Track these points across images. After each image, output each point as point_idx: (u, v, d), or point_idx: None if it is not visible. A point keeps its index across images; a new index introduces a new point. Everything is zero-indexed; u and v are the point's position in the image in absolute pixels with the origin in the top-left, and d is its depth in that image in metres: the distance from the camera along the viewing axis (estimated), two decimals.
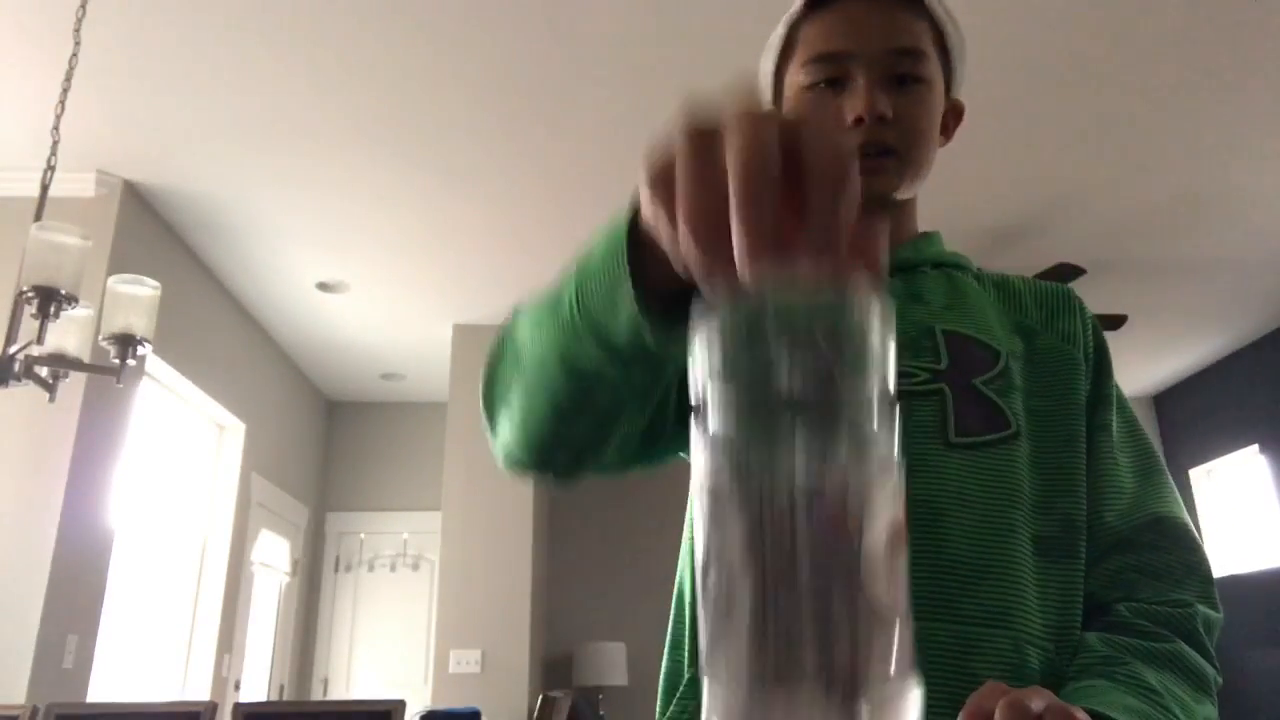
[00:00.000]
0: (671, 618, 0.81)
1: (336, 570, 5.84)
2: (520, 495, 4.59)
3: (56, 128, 2.22)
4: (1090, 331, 0.83)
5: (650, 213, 0.39)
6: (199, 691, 4.15)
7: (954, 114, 0.87)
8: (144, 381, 3.72)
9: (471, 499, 4.58)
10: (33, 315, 1.92)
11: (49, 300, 1.90)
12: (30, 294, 1.89)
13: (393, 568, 5.81)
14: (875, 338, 0.32)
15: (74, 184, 3.35)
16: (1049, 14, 2.71)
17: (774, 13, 0.86)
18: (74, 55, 2.29)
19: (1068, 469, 0.75)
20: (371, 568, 5.83)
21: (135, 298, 2.08)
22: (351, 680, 5.61)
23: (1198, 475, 5.72)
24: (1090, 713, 0.58)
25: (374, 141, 3.28)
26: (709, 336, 0.32)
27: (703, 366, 0.32)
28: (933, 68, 0.80)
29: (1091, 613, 0.72)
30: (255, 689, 4.90)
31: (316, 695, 5.52)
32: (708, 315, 0.32)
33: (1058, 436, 0.76)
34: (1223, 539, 5.50)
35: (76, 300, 1.95)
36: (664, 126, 0.38)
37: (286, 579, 5.38)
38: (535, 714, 3.96)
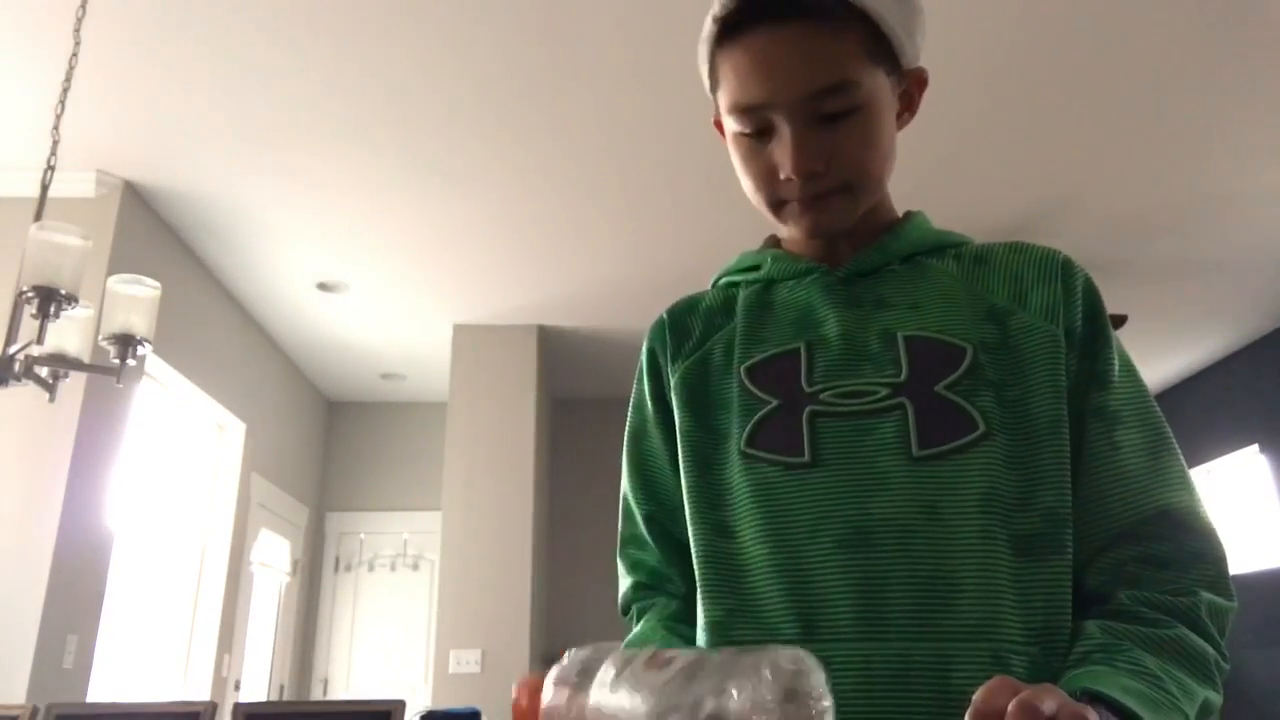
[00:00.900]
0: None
1: (336, 570, 5.84)
2: (520, 495, 4.59)
3: (56, 128, 2.22)
4: (1079, 298, 0.77)
5: None
6: (199, 691, 4.15)
7: (916, 85, 0.80)
8: (144, 381, 3.72)
9: (471, 499, 4.57)
10: (33, 315, 1.91)
11: (49, 300, 1.89)
12: (30, 294, 1.89)
13: (393, 568, 5.81)
14: None
15: (74, 184, 3.35)
16: (1049, 14, 2.71)
17: None
18: (74, 55, 2.29)
19: (1048, 459, 0.72)
20: (371, 568, 5.83)
21: (135, 298, 2.07)
22: (351, 680, 5.61)
23: (1198, 475, 5.71)
24: (1089, 693, 0.58)
25: (374, 141, 3.28)
26: None
27: None
28: (866, 88, 0.73)
29: (1093, 602, 0.70)
30: (255, 689, 4.90)
31: (316, 695, 5.52)
32: None
33: (1037, 426, 0.72)
34: (1222, 539, 5.49)
35: (76, 300, 1.95)
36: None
37: (286, 579, 5.38)
38: None
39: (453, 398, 4.72)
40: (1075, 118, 3.20)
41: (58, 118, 2.25)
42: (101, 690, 3.39)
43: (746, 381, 0.79)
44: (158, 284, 2.11)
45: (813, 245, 0.85)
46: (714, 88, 0.80)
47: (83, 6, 2.31)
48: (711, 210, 3.75)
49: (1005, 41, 2.82)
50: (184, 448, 4.28)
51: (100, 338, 2.07)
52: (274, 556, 5.17)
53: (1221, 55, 2.89)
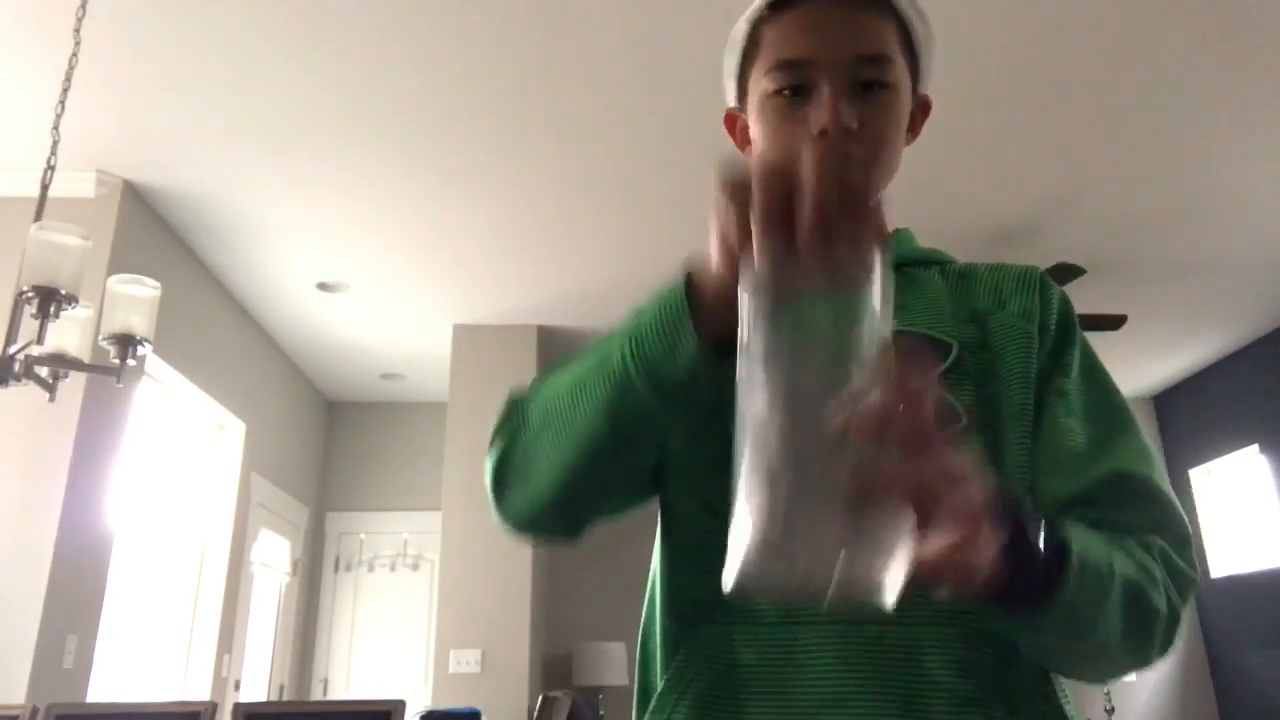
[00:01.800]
0: (640, 644, 0.81)
1: (336, 570, 5.84)
2: None
3: (56, 128, 2.22)
4: (1055, 306, 0.80)
5: (724, 213, 0.58)
6: (199, 691, 4.15)
7: (921, 110, 0.85)
8: (144, 381, 3.72)
9: (471, 499, 4.57)
10: (33, 315, 1.92)
11: (49, 300, 1.90)
12: (30, 294, 1.89)
13: (393, 568, 5.81)
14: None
15: (74, 184, 3.35)
16: (1049, 14, 2.71)
17: None
18: (74, 55, 2.29)
19: (1012, 450, 0.73)
20: (371, 568, 5.83)
21: (135, 298, 2.08)
22: (351, 680, 5.61)
23: (1198, 475, 5.71)
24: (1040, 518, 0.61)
25: (374, 141, 3.28)
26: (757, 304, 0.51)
27: (748, 322, 0.51)
28: (898, 71, 0.78)
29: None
30: (255, 689, 4.90)
31: (316, 695, 5.52)
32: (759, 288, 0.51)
33: (1005, 417, 0.74)
34: (1223, 539, 5.50)
35: (76, 300, 1.95)
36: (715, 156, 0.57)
37: (286, 579, 5.38)
38: (535, 714, 3.96)
39: (453, 398, 4.72)
40: (1075, 119, 3.20)
41: (58, 118, 2.25)
42: (101, 690, 3.39)
43: None
44: (158, 284, 2.11)
45: None
46: (745, 66, 0.82)
47: (83, 6, 2.31)
48: (710, 210, 3.75)
49: (1005, 43, 2.82)
50: (184, 448, 4.28)
51: (100, 338, 2.07)
52: (274, 556, 5.17)
53: (1222, 57, 2.89)
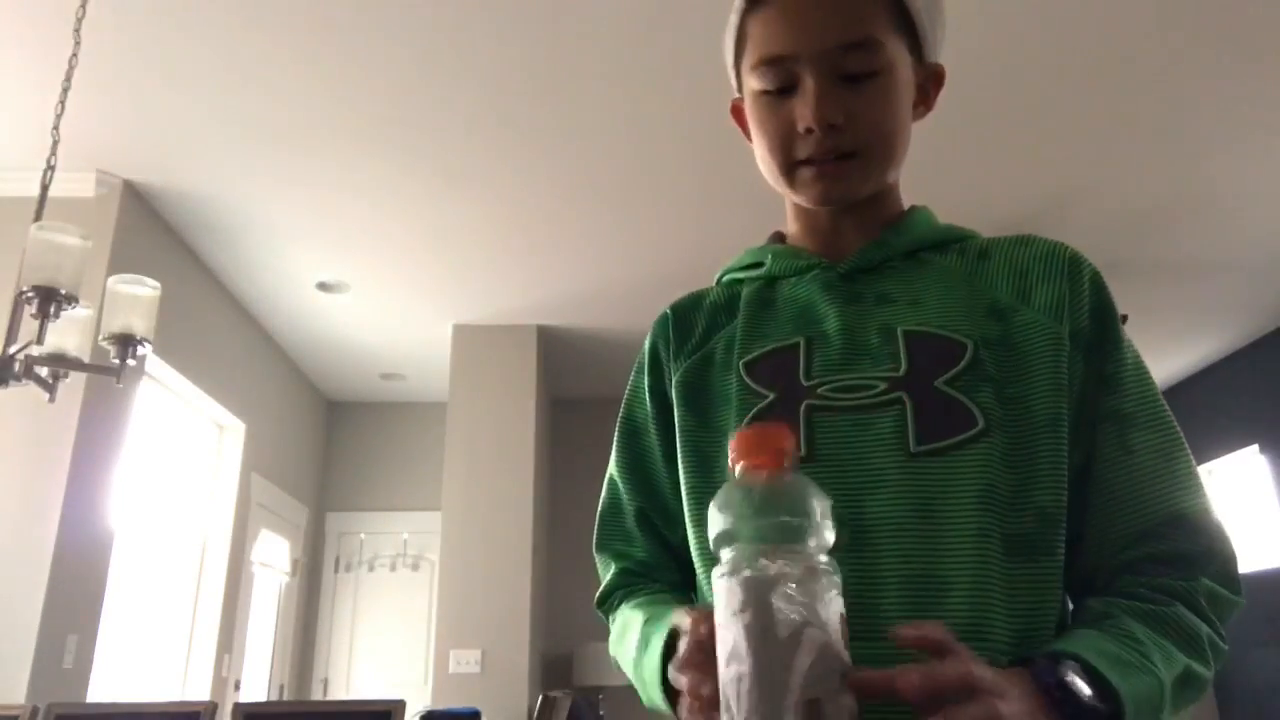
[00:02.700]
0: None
1: (336, 570, 5.84)
2: (520, 495, 4.59)
3: (56, 128, 2.22)
4: (1087, 295, 0.76)
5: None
6: (199, 691, 4.15)
7: (934, 80, 0.82)
8: (144, 381, 3.72)
9: (471, 499, 4.57)
10: (33, 315, 1.91)
11: (49, 300, 1.90)
12: (30, 294, 1.89)
13: (393, 568, 5.81)
14: None
15: (74, 184, 3.35)
16: (1049, 14, 2.71)
17: None
18: (74, 55, 2.29)
19: (1044, 458, 0.71)
20: (371, 568, 5.83)
21: (135, 298, 2.08)
22: (351, 680, 5.61)
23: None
24: (1065, 654, 0.59)
25: (374, 141, 3.28)
26: None
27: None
28: (889, 53, 0.75)
29: (1098, 590, 0.71)
30: (255, 689, 4.90)
31: (316, 695, 5.52)
32: None
33: (1035, 423, 0.71)
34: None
35: (76, 300, 1.95)
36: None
37: (286, 579, 5.38)
38: (535, 714, 3.96)
39: (453, 398, 4.72)
40: (1078, 115, 3.20)
41: (58, 118, 2.25)
42: (101, 690, 3.39)
43: (745, 376, 0.79)
44: (158, 284, 2.11)
45: (816, 238, 0.85)
46: (739, 58, 0.81)
47: (83, 6, 2.31)
48: (711, 210, 3.75)
49: (1009, 37, 2.82)
50: (184, 448, 4.28)
51: (100, 338, 2.07)
52: (274, 556, 5.17)
53: (1225, 55, 2.89)
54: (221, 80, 2.94)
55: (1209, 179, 3.59)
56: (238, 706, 2.35)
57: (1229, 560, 0.71)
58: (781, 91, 0.76)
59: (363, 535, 5.87)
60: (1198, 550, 0.70)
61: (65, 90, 2.25)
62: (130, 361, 2.06)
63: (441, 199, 3.67)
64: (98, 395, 3.27)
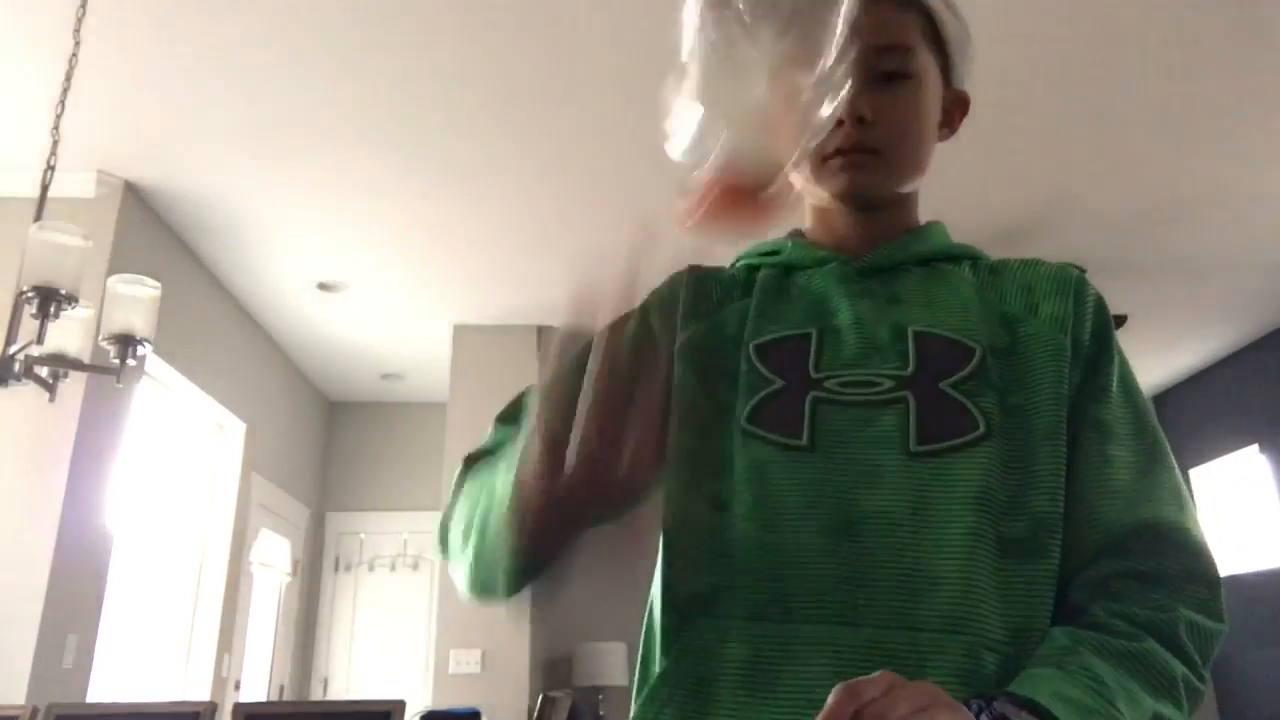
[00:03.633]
0: (642, 637, 0.79)
1: (336, 570, 5.84)
2: None
3: (56, 128, 2.22)
4: (1090, 314, 0.78)
5: None
6: (199, 691, 4.15)
7: (958, 106, 0.85)
8: (144, 381, 3.72)
9: None
10: (33, 315, 1.92)
11: (49, 300, 1.90)
12: (30, 294, 1.89)
13: (393, 568, 5.81)
14: None
15: (74, 184, 3.35)
16: (1050, 14, 2.71)
17: None
18: (74, 55, 2.29)
19: (1042, 464, 0.72)
20: (371, 568, 5.83)
21: (135, 298, 2.08)
22: (351, 680, 5.61)
23: (1198, 475, 5.71)
24: (1023, 701, 0.58)
25: (374, 141, 3.28)
26: None
27: None
28: (921, 62, 0.78)
29: (1074, 615, 0.69)
30: (255, 689, 4.90)
31: (316, 695, 5.52)
32: None
33: (1035, 430, 0.73)
34: (1223, 539, 5.50)
35: (76, 300, 1.95)
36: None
37: (286, 579, 5.38)
38: (535, 714, 3.96)
39: (453, 398, 4.72)
40: (1076, 117, 3.20)
41: (58, 118, 2.25)
42: (101, 690, 3.39)
43: (755, 359, 0.79)
44: (158, 284, 2.11)
45: (834, 238, 0.86)
46: None
47: (83, 6, 2.31)
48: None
49: (1005, 41, 2.82)
50: (184, 448, 4.28)
51: (100, 338, 2.07)
52: (274, 556, 5.17)
53: (1223, 56, 2.89)
54: (222, 80, 2.94)
55: (1209, 179, 3.59)
56: (238, 706, 2.35)
57: (1212, 584, 0.70)
58: None
59: (363, 535, 5.86)
60: (1176, 569, 0.70)
61: (65, 90, 2.25)
62: (130, 361, 2.06)
63: (441, 199, 3.67)
64: (98, 395, 3.27)
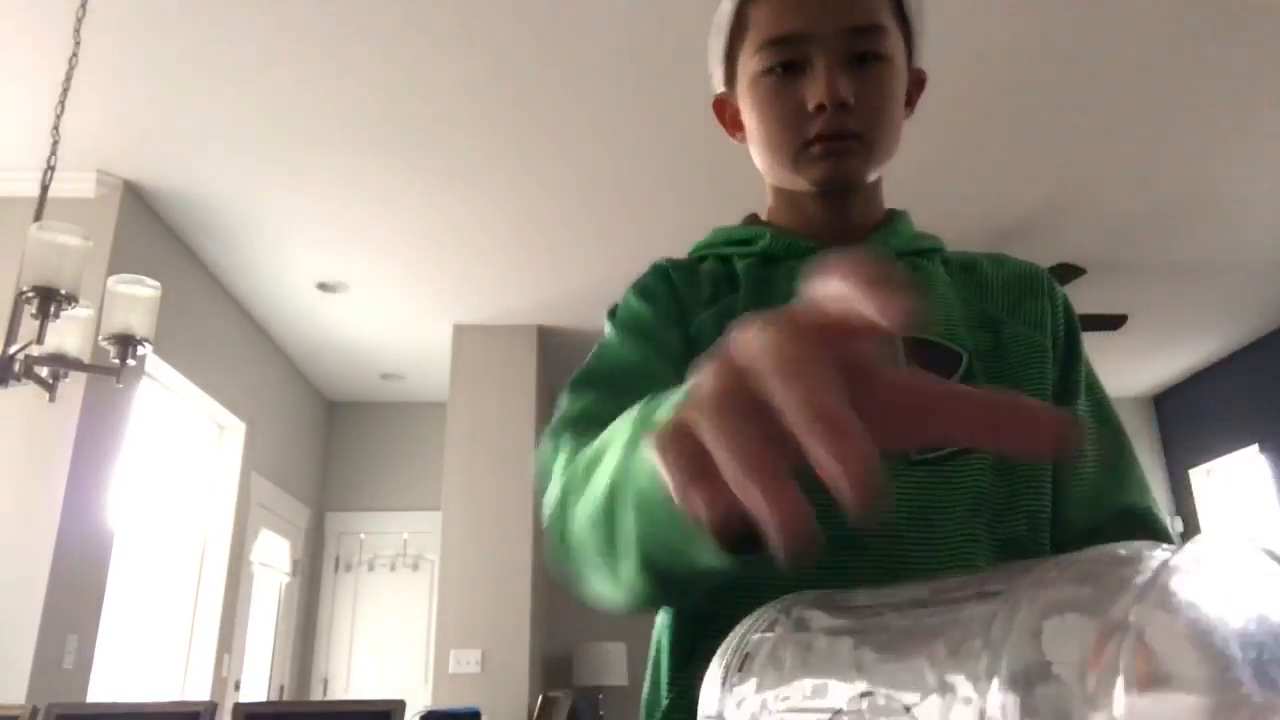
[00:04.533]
0: (652, 655, 0.78)
1: (336, 570, 5.84)
2: (520, 495, 4.59)
3: (56, 128, 2.22)
4: (1061, 313, 0.80)
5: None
6: (199, 691, 4.15)
7: (916, 85, 0.83)
8: (144, 381, 3.72)
9: (471, 499, 4.57)
10: (33, 315, 1.92)
11: (49, 300, 1.90)
12: (30, 294, 1.89)
13: (393, 568, 5.81)
14: None
15: (74, 184, 3.35)
16: (1049, 13, 2.71)
17: None
18: (74, 55, 2.29)
19: (1033, 465, 0.73)
20: (371, 568, 5.83)
21: (135, 298, 2.08)
22: (351, 680, 5.61)
23: (1198, 475, 5.71)
24: None
25: (374, 141, 3.28)
26: None
27: None
28: (893, 42, 0.76)
29: None
30: (255, 689, 4.90)
31: (316, 695, 5.52)
32: None
33: None
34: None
35: (76, 300, 1.95)
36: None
37: (286, 579, 5.38)
38: (535, 714, 3.96)
39: (453, 398, 4.72)
40: (1076, 118, 3.20)
41: (58, 118, 2.25)
42: (101, 690, 3.39)
43: None
44: (158, 284, 2.11)
45: (806, 220, 0.83)
46: (733, 48, 0.80)
47: (83, 6, 2.31)
48: (711, 209, 3.74)
49: (1005, 40, 2.82)
50: (184, 448, 4.28)
51: (100, 338, 2.07)
52: (274, 556, 5.17)
53: (1222, 56, 2.89)
54: (222, 80, 2.94)
55: (1209, 180, 3.59)
56: (238, 706, 2.34)
57: None
58: (787, 72, 0.76)
59: (363, 535, 5.86)
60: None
61: (65, 90, 2.25)
62: (130, 361, 2.06)
63: (441, 199, 3.67)
64: (98, 395, 3.27)
